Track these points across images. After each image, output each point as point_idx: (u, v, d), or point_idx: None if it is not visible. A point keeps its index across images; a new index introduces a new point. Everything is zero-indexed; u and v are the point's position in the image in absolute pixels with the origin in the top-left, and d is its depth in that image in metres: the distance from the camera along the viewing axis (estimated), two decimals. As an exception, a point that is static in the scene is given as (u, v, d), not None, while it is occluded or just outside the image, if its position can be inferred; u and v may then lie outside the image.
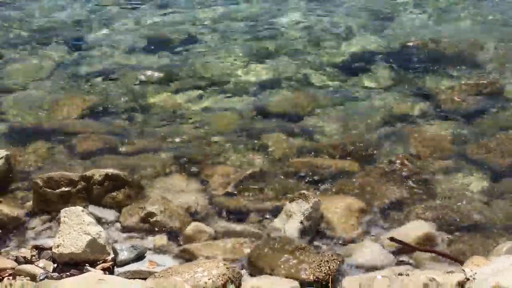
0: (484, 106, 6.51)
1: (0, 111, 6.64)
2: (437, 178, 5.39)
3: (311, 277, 3.88)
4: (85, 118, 6.48)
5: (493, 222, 4.85)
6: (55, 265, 4.20)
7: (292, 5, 9.47)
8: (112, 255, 4.21)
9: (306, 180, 5.40)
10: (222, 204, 5.12)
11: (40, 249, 4.41)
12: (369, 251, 4.25)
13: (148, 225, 4.65)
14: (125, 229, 4.68)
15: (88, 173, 4.96)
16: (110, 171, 5.02)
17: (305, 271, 3.93)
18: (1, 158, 5.24)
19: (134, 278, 3.94)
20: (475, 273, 3.59)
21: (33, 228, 4.72)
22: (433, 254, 4.29)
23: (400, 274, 3.64)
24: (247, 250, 4.29)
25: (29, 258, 4.31)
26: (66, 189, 4.84)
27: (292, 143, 5.95)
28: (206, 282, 3.67)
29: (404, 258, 4.29)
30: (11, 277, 4.04)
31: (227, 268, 3.83)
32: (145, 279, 3.85)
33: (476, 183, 5.34)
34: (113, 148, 5.94)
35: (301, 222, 4.43)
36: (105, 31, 8.80)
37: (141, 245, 4.37)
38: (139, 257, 4.24)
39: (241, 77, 7.34)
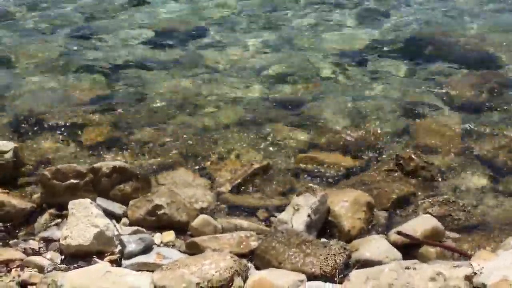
0: (494, 100, 6.49)
1: (8, 103, 6.65)
2: (445, 172, 5.38)
3: (318, 271, 3.88)
4: (93, 110, 6.47)
5: (500, 217, 4.84)
6: (63, 256, 4.22)
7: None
8: (119, 247, 4.22)
9: (313, 175, 5.41)
10: (229, 198, 5.13)
11: (48, 241, 4.43)
12: (376, 245, 4.23)
13: (155, 218, 4.65)
14: (132, 221, 4.68)
15: (96, 165, 4.95)
16: (118, 163, 5.01)
17: (312, 264, 3.92)
18: (9, 150, 5.25)
19: (142, 271, 3.96)
20: (482, 267, 3.58)
21: (41, 220, 4.72)
22: (441, 248, 4.28)
23: (407, 268, 3.63)
24: (254, 243, 4.28)
25: (37, 250, 4.33)
26: (74, 181, 4.82)
27: (299, 137, 5.95)
28: (213, 275, 3.67)
29: (411, 252, 4.28)
30: (19, 268, 4.06)
31: (234, 261, 3.83)
32: (152, 271, 3.86)
33: (484, 177, 5.32)
34: (121, 140, 5.95)
35: (308, 216, 4.42)
36: (114, 21, 8.82)
37: (148, 237, 4.37)
38: (146, 250, 4.22)
39: (250, 68, 7.34)
